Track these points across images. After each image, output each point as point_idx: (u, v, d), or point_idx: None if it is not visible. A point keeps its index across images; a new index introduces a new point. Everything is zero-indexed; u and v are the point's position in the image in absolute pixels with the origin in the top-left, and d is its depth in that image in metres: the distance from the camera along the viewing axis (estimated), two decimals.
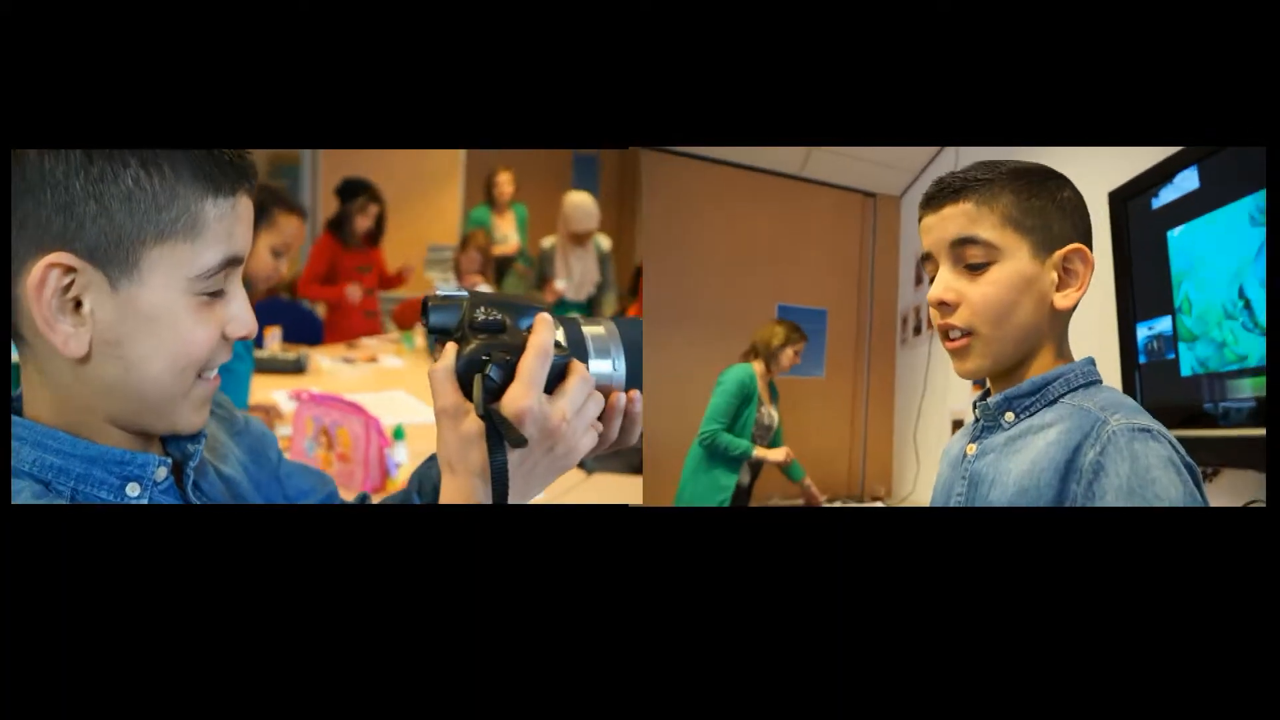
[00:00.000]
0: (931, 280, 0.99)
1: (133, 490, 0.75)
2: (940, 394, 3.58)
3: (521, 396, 0.71)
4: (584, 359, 0.77)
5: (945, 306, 0.96)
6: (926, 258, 1.00)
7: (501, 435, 0.70)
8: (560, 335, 0.75)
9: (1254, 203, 1.42)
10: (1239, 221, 1.46)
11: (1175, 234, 1.62)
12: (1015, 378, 0.97)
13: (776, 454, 3.18)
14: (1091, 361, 0.97)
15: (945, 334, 0.98)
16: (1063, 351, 0.98)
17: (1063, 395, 0.94)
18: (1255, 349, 1.41)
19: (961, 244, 0.95)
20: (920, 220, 1.00)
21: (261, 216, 1.88)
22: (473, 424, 0.72)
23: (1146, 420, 0.87)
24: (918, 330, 4.01)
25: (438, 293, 0.76)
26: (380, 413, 2.20)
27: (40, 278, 0.68)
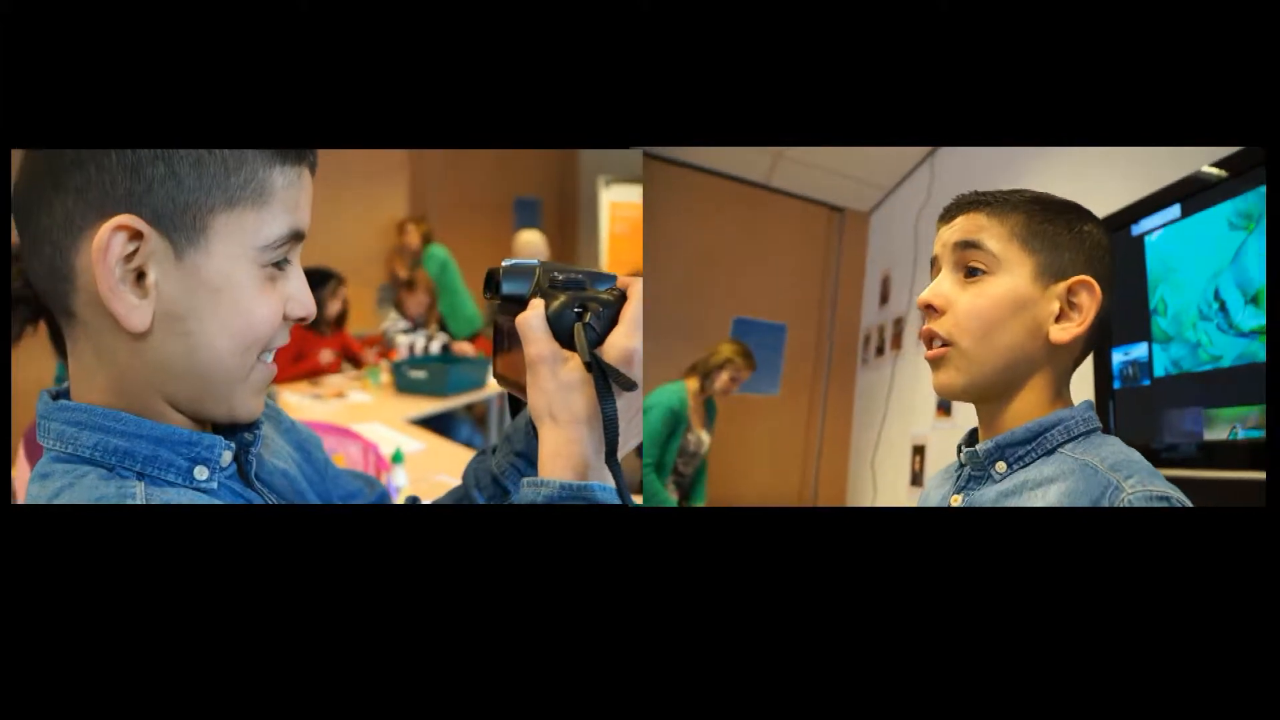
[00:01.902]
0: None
1: (201, 474, 0.75)
2: (902, 419, 3.59)
3: (627, 339, 0.74)
4: None
5: (931, 310, 0.96)
6: (933, 263, 1.00)
7: (609, 382, 0.73)
8: None
9: (1232, 207, 1.47)
10: (1217, 226, 1.51)
11: (1153, 239, 1.68)
12: (1001, 414, 0.95)
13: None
14: (1090, 406, 0.95)
15: (928, 342, 0.96)
16: (1061, 393, 0.96)
17: (1061, 445, 0.92)
18: (1229, 350, 1.46)
19: (964, 247, 0.95)
20: (937, 234, 1.01)
21: None
22: (574, 369, 0.74)
23: (1163, 486, 0.85)
24: (880, 351, 4.03)
25: (505, 263, 0.78)
26: None
27: (105, 241, 0.67)
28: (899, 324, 3.79)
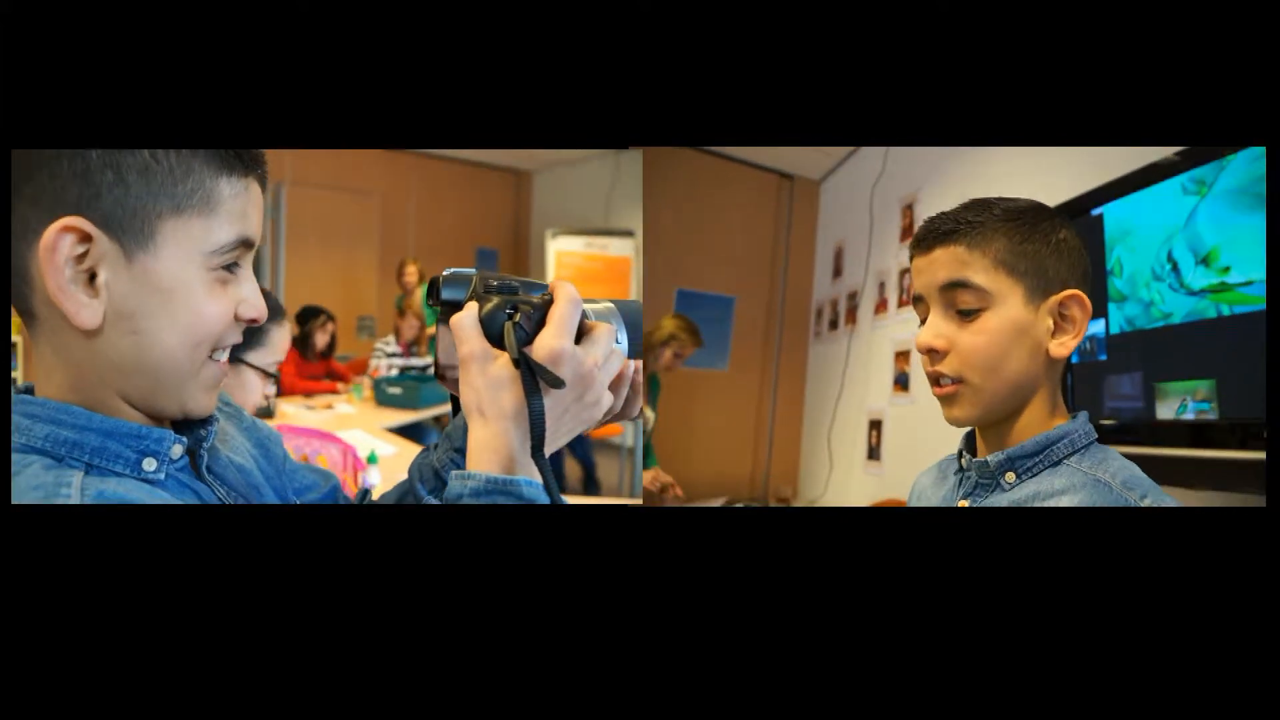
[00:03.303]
0: (922, 323, 1.07)
1: (149, 465, 0.82)
2: (858, 393, 3.75)
3: (555, 339, 0.81)
4: None
5: (934, 353, 1.04)
6: (918, 300, 1.08)
7: (536, 380, 0.81)
8: None
9: (1187, 175, 1.66)
10: (1171, 191, 1.70)
11: (1110, 205, 1.87)
12: (1008, 428, 1.05)
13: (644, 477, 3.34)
14: (1088, 418, 1.05)
15: (935, 380, 1.05)
16: (1057, 403, 1.05)
17: (1067, 457, 1.02)
18: (1179, 308, 1.66)
19: (952, 288, 1.02)
20: (911, 261, 1.08)
21: (252, 337, 1.87)
22: (503, 367, 0.82)
23: (1172, 502, 0.96)
24: (834, 325, 4.19)
25: (445, 272, 0.88)
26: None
27: (53, 242, 0.75)
28: (853, 298, 3.95)
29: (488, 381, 0.82)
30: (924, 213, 3.34)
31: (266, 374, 1.95)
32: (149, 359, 0.80)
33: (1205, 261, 1.57)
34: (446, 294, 0.86)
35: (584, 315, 0.87)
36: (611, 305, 0.91)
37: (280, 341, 1.97)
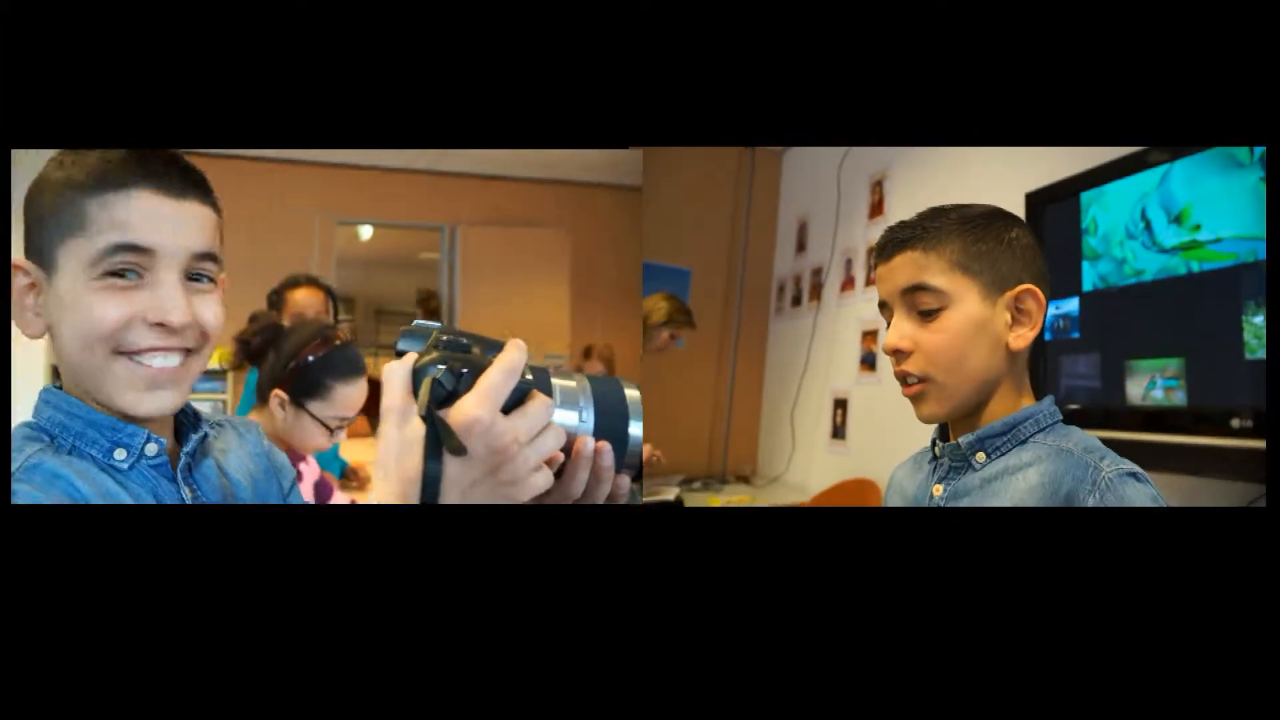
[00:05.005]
0: (888, 327, 1.21)
1: (119, 455, 1.02)
2: (822, 372, 3.89)
3: (474, 406, 0.78)
4: None
5: (900, 354, 1.18)
6: (883, 305, 1.22)
7: (440, 441, 0.78)
8: (528, 373, 0.83)
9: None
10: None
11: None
12: (976, 420, 1.19)
13: None
14: (1053, 400, 1.19)
15: (902, 380, 1.19)
16: (1022, 389, 1.20)
17: (1033, 435, 1.16)
18: (1151, 265, 1.83)
19: (911, 291, 1.17)
20: (875, 269, 1.22)
21: (315, 390, 1.96)
22: (419, 427, 0.79)
23: (1128, 464, 1.08)
24: (797, 301, 4.33)
25: (413, 324, 0.87)
26: None
27: (10, 275, 1.02)
28: (818, 274, 4.11)
29: (401, 439, 0.80)
30: (894, 189, 3.51)
31: (326, 427, 2.01)
32: (65, 359, 1.01)
33: (1178, 220, 1.74)
34: (402, 345, 0.84)
35: (538, 385, 0.84)
36: (586, 382, 0.88)
37: (345, 399, 1.99)
